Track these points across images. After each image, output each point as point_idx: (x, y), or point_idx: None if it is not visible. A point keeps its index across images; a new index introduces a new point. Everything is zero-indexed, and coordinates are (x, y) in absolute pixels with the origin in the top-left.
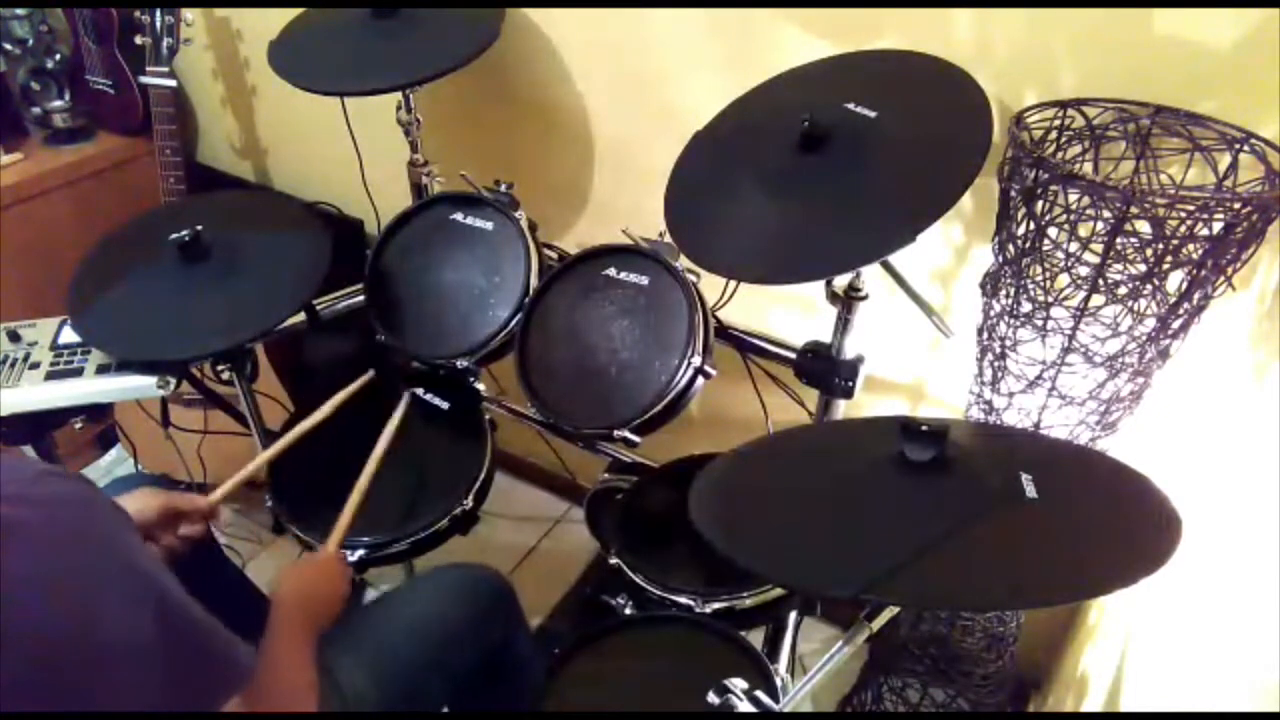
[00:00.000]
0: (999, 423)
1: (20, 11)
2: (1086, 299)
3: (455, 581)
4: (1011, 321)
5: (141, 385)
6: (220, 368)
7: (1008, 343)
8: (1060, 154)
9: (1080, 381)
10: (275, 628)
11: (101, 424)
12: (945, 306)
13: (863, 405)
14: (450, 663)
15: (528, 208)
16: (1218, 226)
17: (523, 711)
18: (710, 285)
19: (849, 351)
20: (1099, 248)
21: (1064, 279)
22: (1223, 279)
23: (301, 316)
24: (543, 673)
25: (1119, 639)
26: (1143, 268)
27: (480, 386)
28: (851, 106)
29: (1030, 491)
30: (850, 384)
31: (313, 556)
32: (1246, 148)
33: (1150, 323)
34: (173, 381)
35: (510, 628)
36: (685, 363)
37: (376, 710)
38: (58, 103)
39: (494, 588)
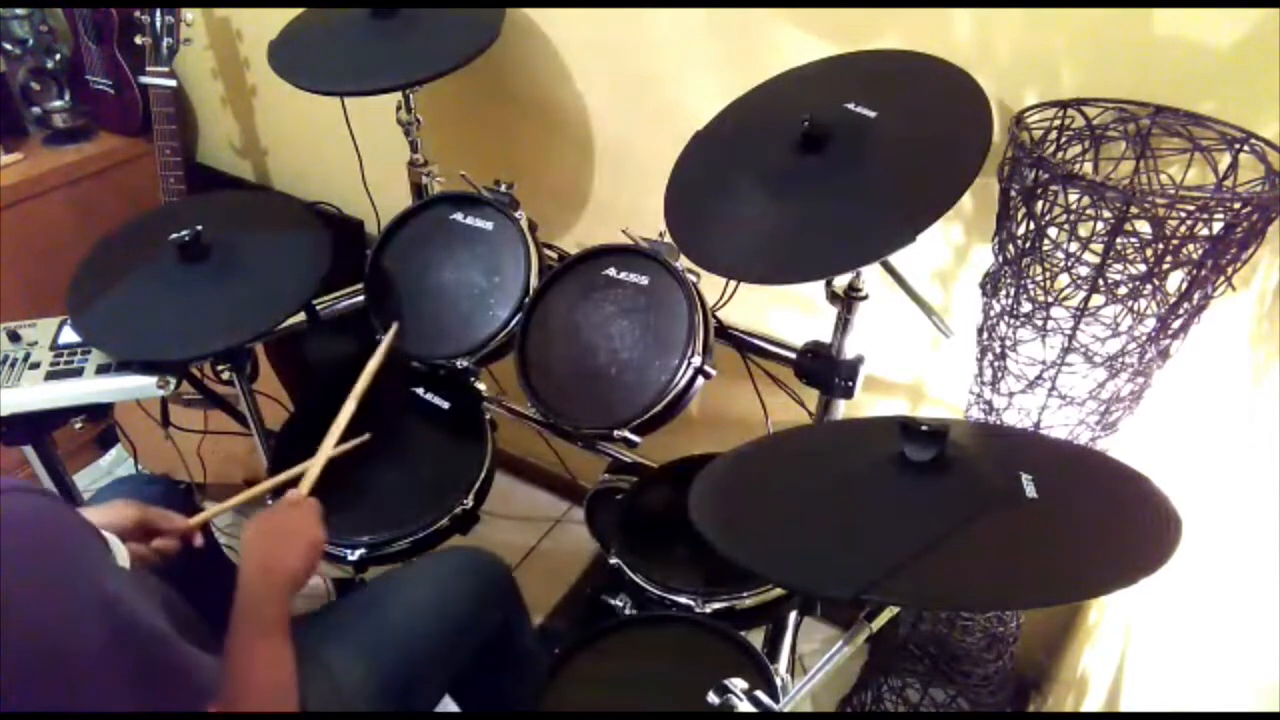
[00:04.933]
0: (999, 423)
1: (20, 11)
2: (1086, 299)
3: (454, 566)
4: (1011, 321)
5: (141, 385)
6: (220, 368)
7: (1008, 343)
8: (1060, 154)
9: (1080, 381)
10: (240, 622)
11: (101, 424)
12: (945, 306)
13: (863, 405)
14: (450, 650)
15: (528, 208)
16: (1218, 226)
17: (523, 711)
18: (710, 285)
19: (849, 351)
20: (1099, 248)
21: (1064, 279)
22: (1223, 279)
23: (301, 316)
24: (544, 659)
25: (1119, 639)
26: (1143, 268)
27: (480, 386)
28: (851, 106)
29: (1030, 491)
30: (850, 384)
31: (279, 506)
32: (1246, 148)
33: (1150, 323)
34: (173, 381)
35: (510, 611)
36: (685, 363)
37: (375, 702)
38: (58, 103)
39: (493, 572)
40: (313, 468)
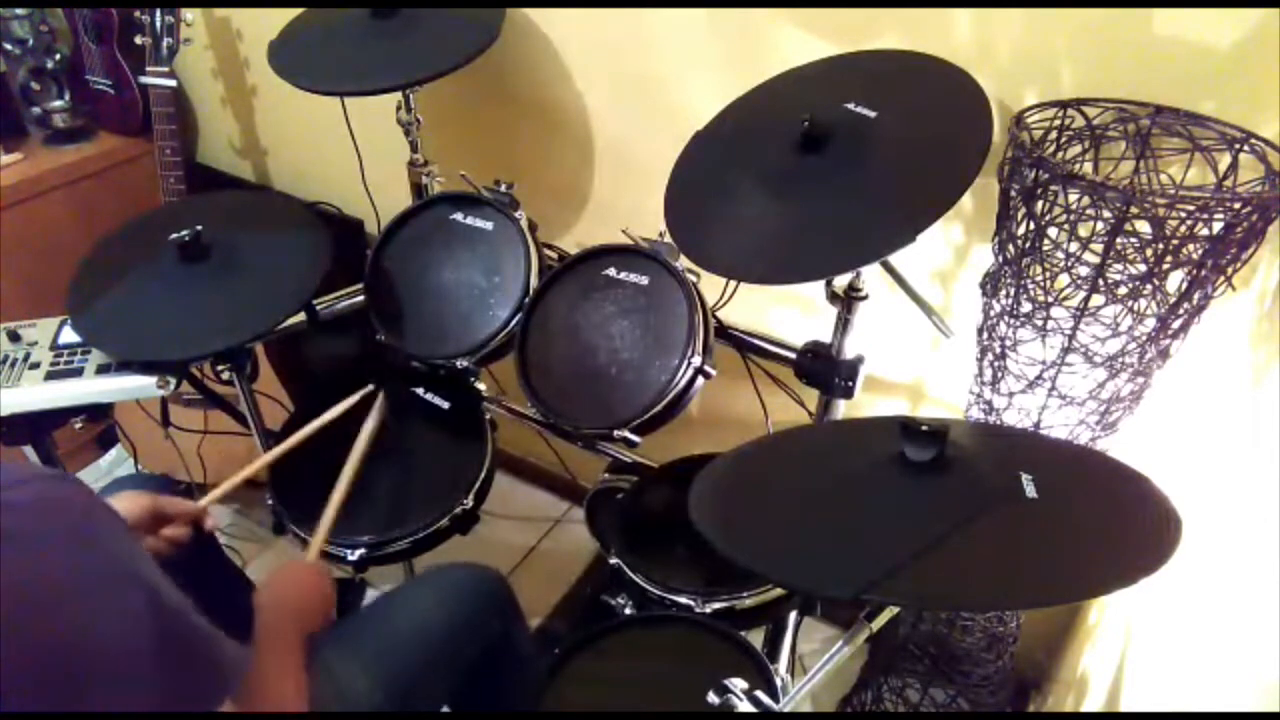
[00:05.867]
0: (999, 423)
1: (20, 11)
2: (1086, 299)
3: (454, 581)
4: (1011, 321)
5: (141, 385)
6: (220, 368)
7: (1008, 343)
8: (1060, 154)
9: (1080, 381)
10: (259, 638)
11: (101, 424)
12: (945, 306)
13: (863, 405)
14: (451, 662)
15: (528, 208)
16: (1218, 226)
17: (523, 711)
18: (710, 285)
19: (849, 351)
20: (1099, 248)
21: (1064, 279)
22: (1223, 279)
23: (301, 316)
24: (543, 670)
25: (1119, 639)
26: (1143, 268)
27: (480, 386)
28: (851, 106)
29: (1030, 491)
30: (850, 384)
31: (290, 568)
32: (1246, 148)
33: (1150, 323)
34: (173, 381)
35: (509, 625)
36: (685, 363)
37: (378, 712)
38: (58, 103)
39: (492, 586)
40: (319, 534)
